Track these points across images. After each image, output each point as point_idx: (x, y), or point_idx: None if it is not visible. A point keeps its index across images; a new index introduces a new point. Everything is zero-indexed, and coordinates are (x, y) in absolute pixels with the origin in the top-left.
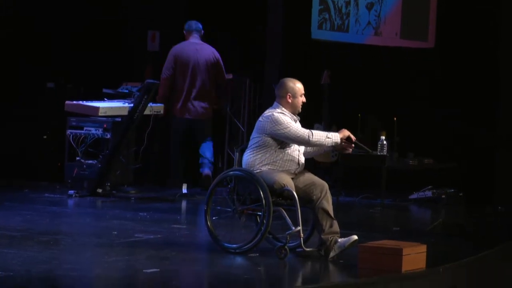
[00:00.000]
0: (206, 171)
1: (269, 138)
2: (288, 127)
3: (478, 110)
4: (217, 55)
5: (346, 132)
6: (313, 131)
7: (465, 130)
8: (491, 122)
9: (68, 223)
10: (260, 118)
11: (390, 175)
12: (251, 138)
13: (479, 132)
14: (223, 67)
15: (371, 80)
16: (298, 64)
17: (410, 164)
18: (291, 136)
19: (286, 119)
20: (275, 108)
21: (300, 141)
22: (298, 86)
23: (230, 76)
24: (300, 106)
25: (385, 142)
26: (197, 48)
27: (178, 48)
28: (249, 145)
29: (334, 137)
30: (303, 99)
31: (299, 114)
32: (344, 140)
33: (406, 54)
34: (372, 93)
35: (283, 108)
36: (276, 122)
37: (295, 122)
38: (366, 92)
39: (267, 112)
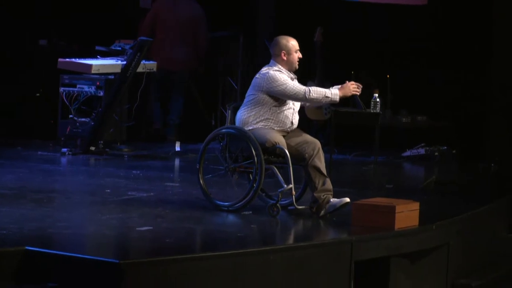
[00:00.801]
0: (157, 125)
1: (264, 95)
2: (285, 83)
3: (472, 70)
4: (199, 11)
5: (347, 91)
6: (311, 88)
7: (459, 89)
8: (484, 82)
9: (61, 181)
10: (257, 75)
11: (383, 132)
12: (246, 95)
13: (472, 93)
14: (204, 25)
15: (364, 38)
16: (290, 21)
17: (403, 122)
18: (288, 93)
19: (282, 76)
20: (271, 66)
21: (298, 97)
22: (292, 43)
23: (223, 34)
24: (297, 63)
25: (378, 100)
26: (177, 3)
27: (158, 4)
28: (244, 102)
29: (333, 95)
30: (299, 54)
31: (296, 71)
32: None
33: (399, 11)
34: (365, 51)
35: (280, 66)
36: (272, 79)
37: (292, 80)
38: (359, 50)
39: (264, 70)
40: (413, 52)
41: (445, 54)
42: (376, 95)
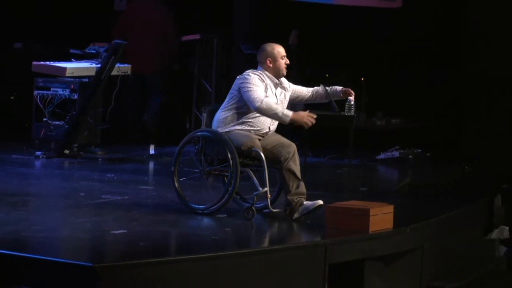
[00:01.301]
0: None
1: (240, 96)
2: (251, 88)
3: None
4: (167, 14)
5: (299, 118)
6: (267, 101)
7: (431, 91)
8: (460, 83)
9: (35, 184)
10: (239, 76)
11: (358, 135)
12: (228, 95)
13: (447, 95)
14: (171, 26)
15: (339, 40)
16: (266, 23)
17: (377, 125)
18: (246, 96)
19: (256, 81)
20: (256, 70)
21: (250, 103)
22: (278, 50)
23: (197, 36)
24: (284, 69)
25: (352, 103)
26: (145, 7)
27: (128, 8)
28: (224, 102)
29: (283, 116)
30: (286, 61)
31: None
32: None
33: (374, 14)
34: (341, 53)
35: (266, 72)
36: (245, 79)
37: (275, 88)
38: (334, 53)
39: (247, 71)
40: (388, 52)
41: (420, 54)
42: (351, 98)
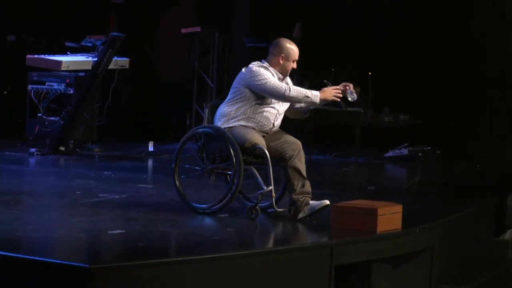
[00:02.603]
0: None
1: (247, 90)
2: (266, 79)
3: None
4: None
5: (328, 94)
6: (292, 86)
7: (443, 86)
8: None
9: (30, 183)
10: (243, 69)
11: (365, 132)
12: (230, 89)
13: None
14: None
15: (344, 33)
16: (268, 16)
17: (385, 121)
18: (267, 89)
19: (266, 72)
20: (261, 63)
21: (276, 95)
22: (294, 50)
23: (197, 29)
24: (289, 72)
25: (353, 89)
26: None
27: None
28: (227, 97)
29: (313, 96)
30: (294, 65)
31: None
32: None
33: (380, 5)
34: (346, 47)
35: (271, 68)
36: (254, 73)
37: (280, 80)
38: (339, 46)
39: (251, 64)
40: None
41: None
42: (357, 93)
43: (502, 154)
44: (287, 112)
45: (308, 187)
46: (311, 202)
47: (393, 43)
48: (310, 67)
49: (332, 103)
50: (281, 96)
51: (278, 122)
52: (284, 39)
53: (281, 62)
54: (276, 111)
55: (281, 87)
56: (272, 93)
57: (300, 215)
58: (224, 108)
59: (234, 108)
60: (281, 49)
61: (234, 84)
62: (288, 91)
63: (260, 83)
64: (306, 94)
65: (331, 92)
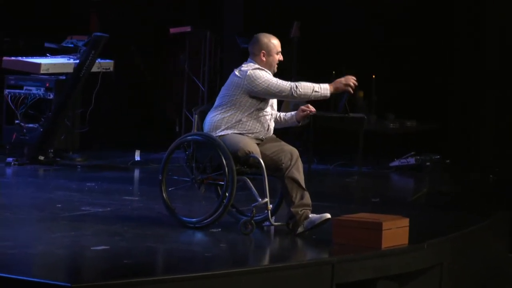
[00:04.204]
0: None
1: (244, 97)
2: (268, 80)
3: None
4: None
5: (340, 85)
6: (298, 83)
7: (446, 87)
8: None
9: (6, 195)
10: (236, 73)
11: (368, 139)
12: (219, 95)
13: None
14: None
15: (344, 33)
16: (263, 14)
17: (390, 128)
18: (272, 90)
19: (264, 73)
20: (250, 64)
21: (283, 94)
22: (274, 43)
23: (188, 29)
24: (276, 65)
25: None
26: None
27: None
28: (216, 104)
29: (323, 90)
30: (280, 57)
31: (275, 75)
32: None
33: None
34: (347, 47)
35: (258, 66)
36: (254, 77)
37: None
38: (340, 47)
39: (244, 67)
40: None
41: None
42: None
43: None
44: (278, 123)
45: (307, 199)
46: (311, 215)
47: (393, 43)
48: (310, 67)
49: (334, 107)
50: (289, 95)
51: (271, 126)
52: (261, 34)
53: (264, 59)
54: (270, 115)
55: (287, 84)
56: (278, 93)
57: (299, 230)
58: (213, 115)
59: (227, 115)
60: (260, 46)
61: (226, 90)
62: (295, 88)
63: (263, 85)
64: (315, 89)
65: (343, 82)
